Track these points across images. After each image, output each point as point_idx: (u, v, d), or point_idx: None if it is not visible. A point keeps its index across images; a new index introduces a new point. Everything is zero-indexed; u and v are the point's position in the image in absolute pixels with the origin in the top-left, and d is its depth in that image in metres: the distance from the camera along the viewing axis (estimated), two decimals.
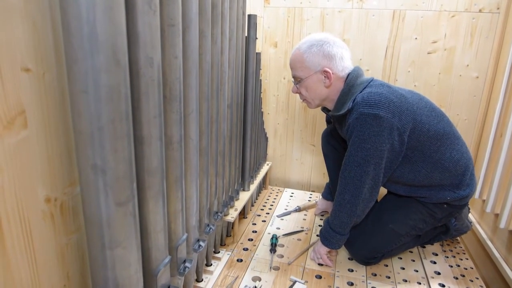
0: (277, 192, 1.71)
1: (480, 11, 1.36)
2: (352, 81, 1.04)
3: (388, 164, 1.00)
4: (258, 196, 1.64)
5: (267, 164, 1.72)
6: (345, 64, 1.06)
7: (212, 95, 0.87)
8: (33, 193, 0.46)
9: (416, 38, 1.46)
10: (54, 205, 0.49)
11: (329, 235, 1.08)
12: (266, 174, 1.68)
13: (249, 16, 1.17)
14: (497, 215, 1.18)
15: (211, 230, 0.94)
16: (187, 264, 0.77)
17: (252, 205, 1.53)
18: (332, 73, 1.05)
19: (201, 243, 0.86)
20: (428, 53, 1.46)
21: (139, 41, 0.51)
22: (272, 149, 1.80)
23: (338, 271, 1.09)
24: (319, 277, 1.06)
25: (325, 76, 1.06)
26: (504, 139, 1.14)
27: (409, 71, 1.50)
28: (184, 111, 0.70)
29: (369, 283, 1.05)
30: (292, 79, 1.14)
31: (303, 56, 1.05)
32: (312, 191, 1.79)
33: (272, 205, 1.55)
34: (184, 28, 0.65)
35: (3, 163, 0.41)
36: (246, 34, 1.17)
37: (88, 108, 0.43)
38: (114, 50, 0.43)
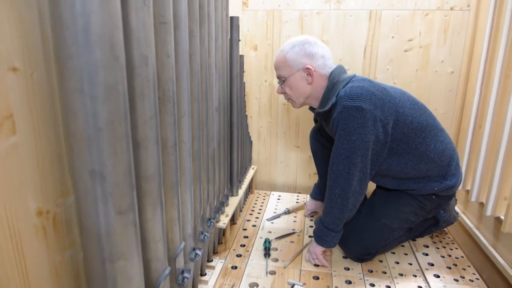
0: (264, 196, 1.69)
1: (451, 9, 1.42)
2: (335, 78, 1.07)
3: (374, 156, 1.02)
4: (246, 201, 1.61)
5: (252, 168, 1.70)
6: (326, 62, 1.09)
7: (202, 97, 0.85)
8: (24, 206, 0.41)
9: (393, 37, 1.49)
10: (46, 218, 0.45)
11: (323, 234, 1.08)
12: (252, 178, 1.66)
13: (231, 18, 1.15)
14: (482, 204, 1.21)
15: (206, 237, 0.90)
16: (185, 275, 0.73)
17: (241, 211, 1.50)
18: (314, 71, 1.07)
19: (197, 251, 0.83)
20: (405, 51, 1.50)
21: (132, 38, 0.48)
22: (256, 152, 1.78)
23: (334, 271, 1.08)
24: (316, 278, 1.05)
25: (307, 74, 1.08)
26: (484, 130, 1.18)
27: (387, 69, 1.53)
28: (177, 113, 0.67)
29: (367, 280, 1.04)
30: (277, 80, 1.15)
31: (286, 56, 1.09)
32: (298, 192, 1.78)
33: (260, 209, 1.53)
34: (174, 27, 0.63)
35: None
36: (229, 37, 1.15)
37: (84, 108, 0.40)
38: (111, 45, 0.40)
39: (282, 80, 1.13)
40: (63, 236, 0.48)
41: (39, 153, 0.43)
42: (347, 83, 1.04)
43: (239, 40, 1.20)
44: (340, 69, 1.09)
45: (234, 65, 1.19)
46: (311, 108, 1.22)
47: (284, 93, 1.15)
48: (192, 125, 0.78)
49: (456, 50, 1.45)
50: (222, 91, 1.06)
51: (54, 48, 0.38)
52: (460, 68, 1.47)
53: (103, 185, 0.43)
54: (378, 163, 1.04)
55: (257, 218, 1.45)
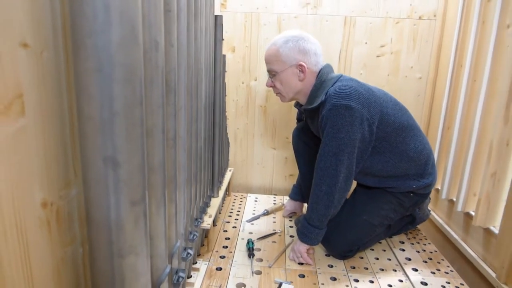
0: (241, 198, 1.67)
1: (420, 18, 1.51)
2: (323, 76, 1.09)
3: (359, 154, 1.05)
4: (223, 203, 1.59)
5: (230, 170, 1.68)
6: (318, 59, 1.11)
7: (194, 92, 0.83)
8: (30, 196, 0.38)
9: (366, 43, 1.56)
10: (50, 211, 0.41)
11: (307, 231, 1.09)
12: (229, 180, 1.64)
13: (216, 16, 1.14)
14: (452, 201, 1.29)
15: (195, 237, 0.88)
16: (180, 274, 0.71)
17: (219, 213, 1.48)
18: (307, 68, 1.09)
19: (189, 251, 0.80)
20: (377, 56, 1.57)
21: (145, 21, 0.46)
22: (233, 154, 1.77)
23: (319, 268, 1.10)
24: (302, 276, 1.05)
25: (300, 70, 1.10)
26: (453, 131, 1.26)
27: (361, 74, 1.59)
28: (177, 105, 0.65)
29: (351, 276, 1.06)
30: (267, 73, 1.15)
31: (279, 51, 1.09)
32: (275, 194, 1.79)
33: (239, 211, 1.52)
34: (176, 16, 0.61)
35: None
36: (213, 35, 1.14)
37: (102, 90, 0.37)
38: (132, 24, 0.38)
39: (272, 74, 1.13)
40: (66, 231, 0.45)
41: (46, 139, 0.40)
42: (335, 82, 1.06)
43: (222, 39, 1.19)
44: (328, 68, 1.12)
45: (218, 63, 1.18)
46: (297, 105, 1.24)
47: (273, 86, 1.15)
48: (186, 119, 0.76)
49: (424, 57, 1.55)
50: (208, 89, 1.04)
51: (71, 26, 0.36)
52: (427, 74, 1.56)
53: (117, 173, 0.40)
54: (362, 161, 1.07)
55: (237, 219, 1.43)
